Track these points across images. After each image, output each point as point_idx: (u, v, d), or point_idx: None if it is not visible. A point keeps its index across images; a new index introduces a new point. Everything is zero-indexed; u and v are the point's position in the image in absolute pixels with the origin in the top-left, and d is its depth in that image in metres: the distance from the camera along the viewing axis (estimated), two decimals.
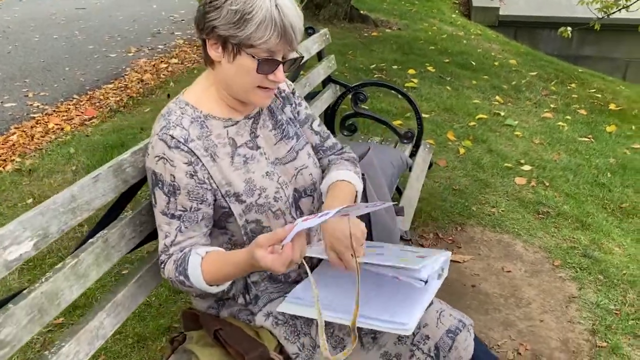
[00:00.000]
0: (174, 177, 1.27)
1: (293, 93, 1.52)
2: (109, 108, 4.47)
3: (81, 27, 7.29)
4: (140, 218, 1.41)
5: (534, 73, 5.82)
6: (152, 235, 1.44)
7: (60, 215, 1.18)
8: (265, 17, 1.19)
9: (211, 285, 1.26)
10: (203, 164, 1.29)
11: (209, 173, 1.30)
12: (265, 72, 1.25)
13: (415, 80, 5.05)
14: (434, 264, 1.27)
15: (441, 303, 1.35)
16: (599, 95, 5.37)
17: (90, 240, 1.29)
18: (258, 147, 1.38)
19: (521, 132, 4.22)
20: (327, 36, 2.88)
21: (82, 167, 3.40)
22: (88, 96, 4.86)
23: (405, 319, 1.21)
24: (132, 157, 1.39)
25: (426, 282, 1.23)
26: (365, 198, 1.66)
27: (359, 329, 1.30)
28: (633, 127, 4.62)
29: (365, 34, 6.61)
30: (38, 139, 3.95)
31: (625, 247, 2.87)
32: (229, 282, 1.30)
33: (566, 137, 4.24)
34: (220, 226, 1.37)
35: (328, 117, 2.89)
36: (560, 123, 4.49)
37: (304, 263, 1.18)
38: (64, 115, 4.41)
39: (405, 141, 2.79)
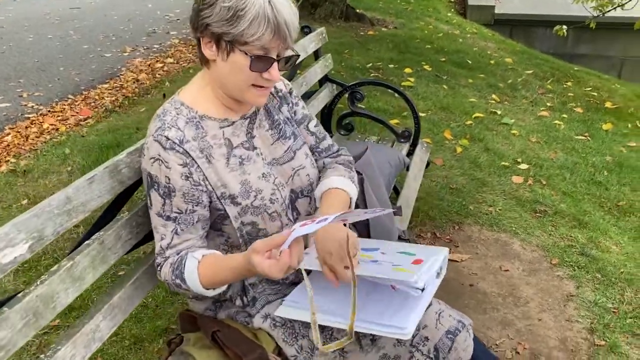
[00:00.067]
0: (169, 179, 1.25)
1: (290, 92, 1.50)
2: (104, 108, 4.44)
3: (76, 26, 7.25)
4: (136, 219, 1.40)
5: (530, 71, 5.83)
6: (149, 237, 1.43)
7: (56, 217, 1.17)
8: (258, 13, 1.18)
9: (208, 289, 1.25)
10: (198, 166, 1.28)
11: (204, 175, 1.29)
12: (259, 69, 1.24)
13: (412, 79, 5.05)
14: (430, 269, 1.25)
15: (440, 303, 1.34)
16: (595, 94, 5.38)
17: (86, 242, 1.28)
18: (254, 148, 1.37)
19: (518, 131, 4.22)
20: (324, 35, 2.87)
21: (78, 168, 3.38)
22: (83, 96, 4.83)
23: (404, 322, 1.20)
24: (127, 158, 1.37)
25: (423, 289, 1.22)
26: (363, 198, 1.65)
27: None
28: (629, 125, 4.63)
29: (362, 33, 6.60)
30: (33, 139, 3.93)
31: (623, 246, 2.87)
32: (226, 286, 1.29)
33: (562, 135, 4.24)
34: (216, 228, 1.36)
35: (325, 117, 2.88)
36: (556, 121, 4.49)
37: (302, 270, 1.17)
38: (59, 116, 4.38)
39: (402, 140, 2.78)
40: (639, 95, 5.60)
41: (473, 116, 4.39)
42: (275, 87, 1.47)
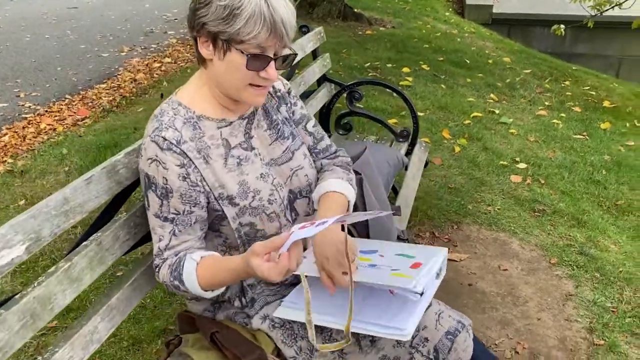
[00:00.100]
0: (167, 180, 1.25)
1: (289, 92, 1.50)
2: (101, 108, 4.43)
3: (73, 26, 7.23)
4: (134, 220, 1.39)
5: (528, 71, 5.83)
6: (147, 238, 1.42)
7: (53, 219, 1.16)
8: (255, 11, 1.18)
9: (206, 291, 1.24)
10: (196, 166, 1.27)
11: (201, 175, 1.28)
12: (255, 68, 1.23)
13: (410, 79, 5.04)
14: (429, 271, 1.24)
15: (439, 304, 1.33)
16: (593, 93, 5.38)
17: (84, 243, 1.27)
18: (252, 148, 1.36)
19: (516, 130, 4.22)
20: (322, 34, 2.86)
21: (75, 168, 3.37)
22: (80, 96, 4.82)
23: (403, 324, 1.19)
24: (125, 158, 1.37)
25: (422, 294, 1.21)
26: (362, 198, 1.65)
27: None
28: (627, 124, 4.63)
29: (360, 33, 6.59)
30: (30, 139, 3.91)
31: (621, 245, 2.87)
32: (224, 287, 1.28)
33: (561, 134, 4.24)
34: (214, 229, 1.35)
35: (323, 116, 2.88)
36: (554, 120, 4.50)
37: (302, 274, 1.16)
38: (56, 116, 4.37)
39: (400, 140, 2.78)
40: (636, 94, 5.61)
41: (471, 115, 4.39)
42: (273, 87, 1.46)
